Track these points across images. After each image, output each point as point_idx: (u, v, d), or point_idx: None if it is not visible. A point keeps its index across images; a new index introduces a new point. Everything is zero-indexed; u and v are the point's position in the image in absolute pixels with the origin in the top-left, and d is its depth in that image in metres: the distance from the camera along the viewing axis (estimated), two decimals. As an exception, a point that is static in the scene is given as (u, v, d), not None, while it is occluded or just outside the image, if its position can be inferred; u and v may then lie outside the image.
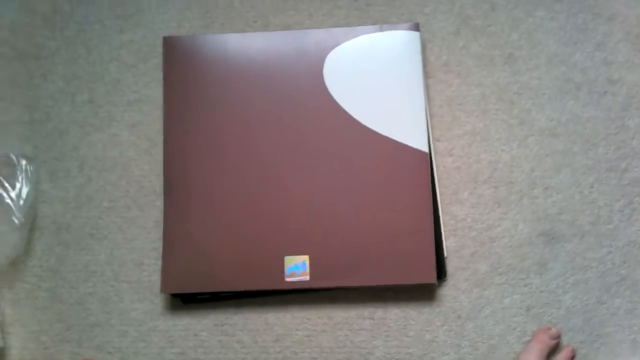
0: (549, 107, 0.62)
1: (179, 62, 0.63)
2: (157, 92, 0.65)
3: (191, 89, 0.62)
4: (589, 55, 0.63)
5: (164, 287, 0.59)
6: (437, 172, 0.62)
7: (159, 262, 0.61)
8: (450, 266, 0.60)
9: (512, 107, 0.63)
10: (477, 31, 0.64)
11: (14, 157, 0.63)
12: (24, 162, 0.63)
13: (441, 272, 0.59)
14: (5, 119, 0.65)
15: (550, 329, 0.58)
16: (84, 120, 0.65)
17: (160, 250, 0.61)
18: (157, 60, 0.65)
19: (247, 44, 0.63)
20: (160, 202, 0.63)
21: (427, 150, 0.60)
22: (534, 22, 0.64)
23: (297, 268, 0.59)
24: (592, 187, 0.61)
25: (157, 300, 0.62)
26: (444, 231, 0.61)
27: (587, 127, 0.62)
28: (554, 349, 0.58)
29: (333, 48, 0.62)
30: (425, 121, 0.60)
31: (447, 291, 0.60)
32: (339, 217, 0.59)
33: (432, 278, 0.58)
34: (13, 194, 0.62)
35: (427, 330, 0.60)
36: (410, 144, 0.60)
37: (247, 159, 0.61)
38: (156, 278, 0.62)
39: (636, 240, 0.60)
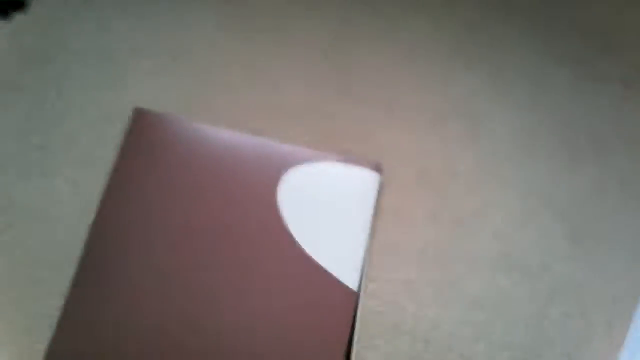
0: (480, 278, 0.64)
1: (141, 135, 0.63)
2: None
3: (145, 167, 0.62)
4: (531, 241, 0.66)
5: None
6: (360, 312, 0.62)
7: None
8: (348, 411, 0.60)
9: (447, 270, 0.64)
10: (435, 189, 0.66)
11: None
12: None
13: (338, 416, 0.59)
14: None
15: None
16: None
17: None
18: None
19: (213, 137, 0.63)
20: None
21: (356, 289, 0.60)
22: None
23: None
24: (502, 368, 0.62)
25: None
26: (352, 373, 0.60)
27: (511, 306, 0.64)
28: None
29: (293, 166, 0.63)
30: (362, 261, 0.61)
31: None
32: (254, 335, 0.58)
33: (328, 421, 0.57)
34: None
35: None
36: (341, 279, 0.60)
37: (173, 259, 0.60)
38: None
39: None
